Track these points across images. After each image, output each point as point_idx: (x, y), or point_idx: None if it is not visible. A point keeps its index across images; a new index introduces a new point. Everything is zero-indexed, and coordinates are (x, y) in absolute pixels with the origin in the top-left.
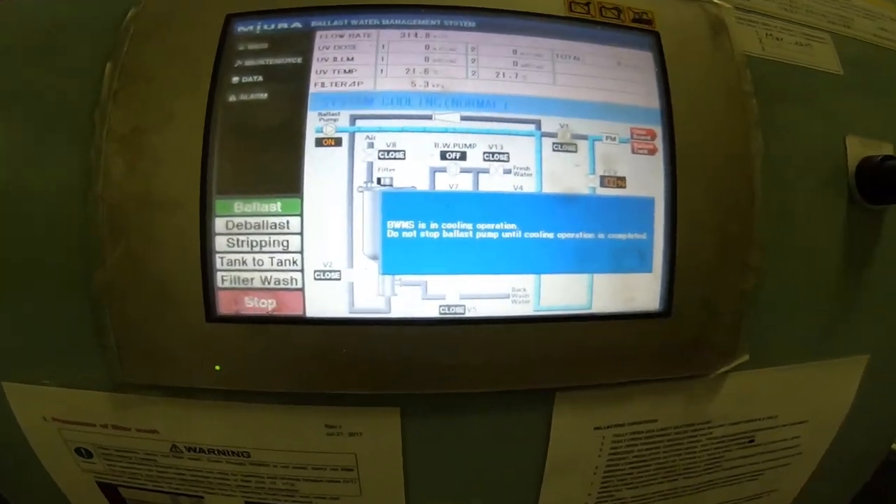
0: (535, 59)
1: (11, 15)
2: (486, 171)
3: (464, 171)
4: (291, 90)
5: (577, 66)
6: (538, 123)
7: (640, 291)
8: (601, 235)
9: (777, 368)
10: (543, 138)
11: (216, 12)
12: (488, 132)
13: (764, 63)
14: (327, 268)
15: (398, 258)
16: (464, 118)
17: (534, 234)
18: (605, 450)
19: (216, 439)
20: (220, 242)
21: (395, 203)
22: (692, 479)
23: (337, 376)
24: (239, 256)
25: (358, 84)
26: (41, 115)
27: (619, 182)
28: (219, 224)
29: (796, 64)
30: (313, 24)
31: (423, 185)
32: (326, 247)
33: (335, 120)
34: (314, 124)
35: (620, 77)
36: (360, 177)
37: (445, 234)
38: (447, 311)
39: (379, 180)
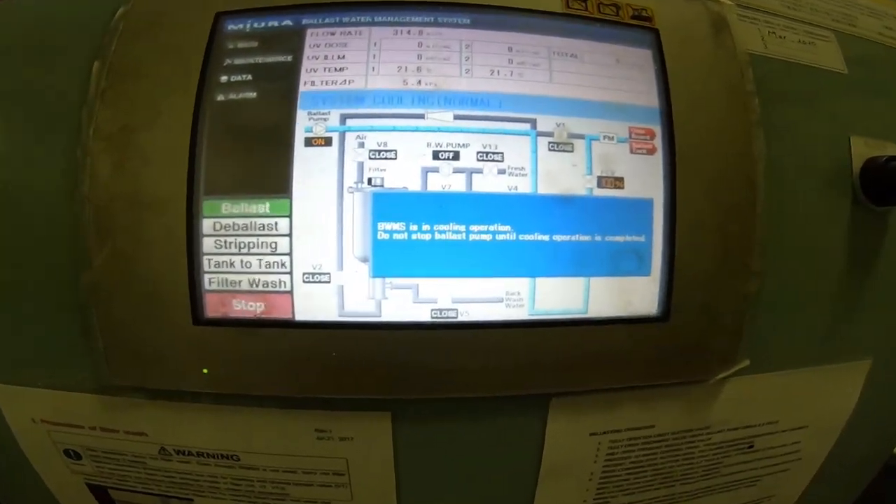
0: (532, 56)
1: (8, 15)
2: (479, 171)
3: (457, 171)
4: (281, 89)
5: (575, 64)
6: (534, 122)
7: (638, 295)
8: (598, 238)
9: (778, 373)
10: (539, 138)
11: (206, 10)
12: (482, 131)
13: (766, 61)
14: (316, 270)
15: (389, 260)
16: (457, 117)
17: (528, 237)
18: (601, 455)
19: (205, 442)
20: (207, 244)
21: (386, 204)
22: (689, 484)
23: (326, 380)
24: (227, 258)
25: (349, 82)
26: (31, 114)
27: (617, 183)
28: (206, 225)
29: (800, 63)
30: (304, 21)
31: (414, 185)
32: (315, 249)
33: (325, 119)
34: (303, 123)
35: (619, 75)
36: (350, 177)
37: (438, 236)
38: (439, 316)
39: (370, 181)
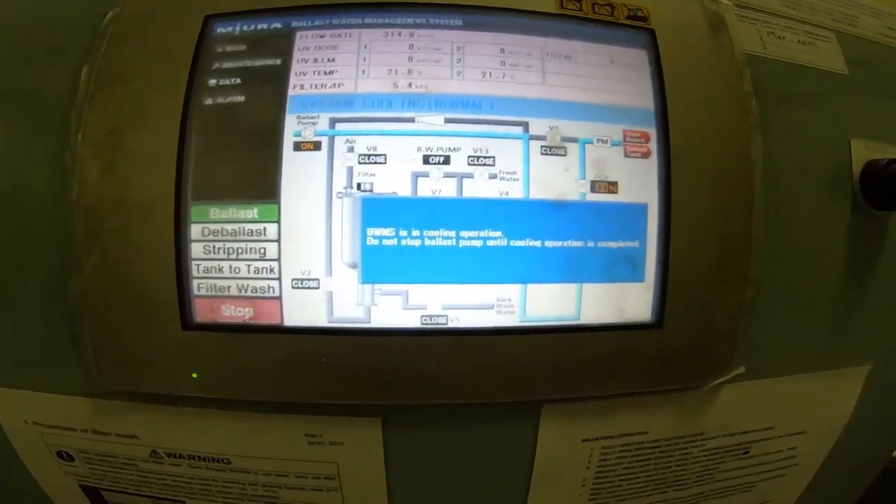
0: (524, 58)
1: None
2: (470, 175)
3: (447, 175)
4: (269, 93)
5: (568, 66)
6: (526, 126)
7: (632, 302)
8: (591, 244)
9: (776, 380)
10: (531, 141)
11: (195, 13)
12: (473, 135)
13: (765, 62)
14: (305, 276)
15: (378, 267)
16: (448, 120)
17: (520, 242)
18: (594, 462)
19: (196, 446)
20: (195, 249)
21: (376, 210)
22: (683, 490)
23: (316, 386)
24: (215, 264)
25: (338, 86)
26: (28, 114)
27: (611, 187)
28: (194, 231)
29: (799, 63)
30: (294, 24)
31: (404, 190)
32: (304, 254)
33: (314, 123)
34: (292, 128)
35: (613, 76)
36: (339, 182)
37: (427, 242)
38: (429, 322)
39: (359, 186)
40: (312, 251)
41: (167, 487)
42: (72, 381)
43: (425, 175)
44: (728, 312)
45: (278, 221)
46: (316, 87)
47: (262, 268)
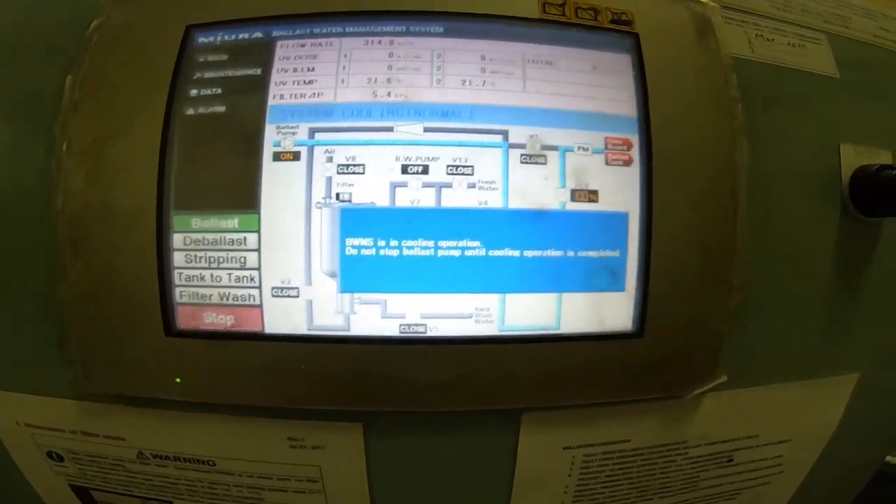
0: (505, 65)
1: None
2: (448, 185)
3: (426, 185)
4: (249, 103)
5: (550, 72)
6: (505, 134)
7: (612, 311)
8: (571, 253)
9: (760, 388)
10: (511, 150)
11: (177, 22)
12: (452, 144)
13: (753, 65)
14: (285, 285)
15: (357, 276)
16: (427, 129)
17: (498, 252)
18: (576, 469)
19: (181, 447)
20: (178, 258)
21: (354, 220)
22: (667, 498)
23: (297, 392)
24: (197, 272)
25: (318, 95)
26: (28, 114)
27: (591, 196)
28: (177, 240)
29: (788, 66)
30: (274, 33)
31: (382, 200)
32: (284, 264)
33: (294, 133)
34: (272, 138)
35: (596, 83)
36: (318, 192)
37: (406, 252)
38: (407, 330)
39: (338, 196)
40: (292, 260)
41: (155, 488)
42: (61, 384)
43: (404, 185)
44: (711, 322)
45: (258, 231)
46: (295, 96)
47: (243, 276)
